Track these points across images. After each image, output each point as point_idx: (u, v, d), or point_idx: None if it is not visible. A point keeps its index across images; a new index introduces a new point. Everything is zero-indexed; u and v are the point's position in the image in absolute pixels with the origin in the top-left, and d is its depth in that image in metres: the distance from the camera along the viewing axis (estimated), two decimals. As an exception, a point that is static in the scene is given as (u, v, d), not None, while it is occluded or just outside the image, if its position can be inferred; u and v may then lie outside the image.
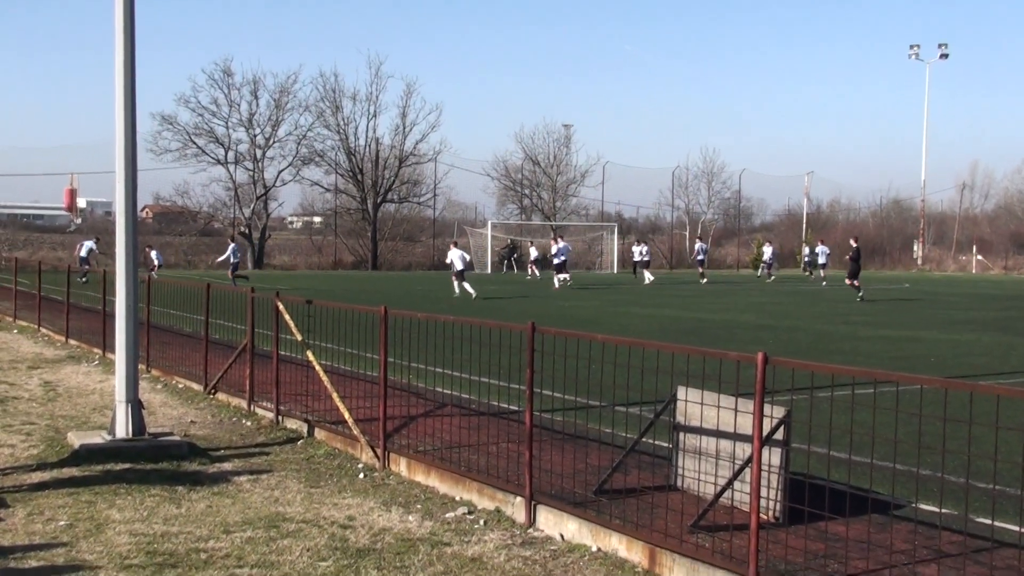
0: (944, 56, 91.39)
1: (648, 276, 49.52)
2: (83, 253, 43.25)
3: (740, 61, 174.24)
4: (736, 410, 7.34)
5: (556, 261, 44.48)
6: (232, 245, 43.91)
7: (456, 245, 39.80)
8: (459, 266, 36.85)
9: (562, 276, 43.68)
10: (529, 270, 59.18)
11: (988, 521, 6.84)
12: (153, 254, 44.95)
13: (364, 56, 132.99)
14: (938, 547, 6.79)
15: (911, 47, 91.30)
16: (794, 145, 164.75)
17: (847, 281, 37.49)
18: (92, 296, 21.46)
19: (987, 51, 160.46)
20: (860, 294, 36.17)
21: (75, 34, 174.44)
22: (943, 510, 7.41)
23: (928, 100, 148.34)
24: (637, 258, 52.01)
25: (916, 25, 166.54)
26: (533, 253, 60.32)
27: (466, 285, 36.11)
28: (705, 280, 51.94)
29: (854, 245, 37.91)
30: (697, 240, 61.32)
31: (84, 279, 32.68)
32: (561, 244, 45.15)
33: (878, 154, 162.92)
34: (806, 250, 62.89)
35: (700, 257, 55.36)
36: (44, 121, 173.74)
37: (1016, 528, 7.08)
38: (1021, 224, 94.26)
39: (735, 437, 7.51)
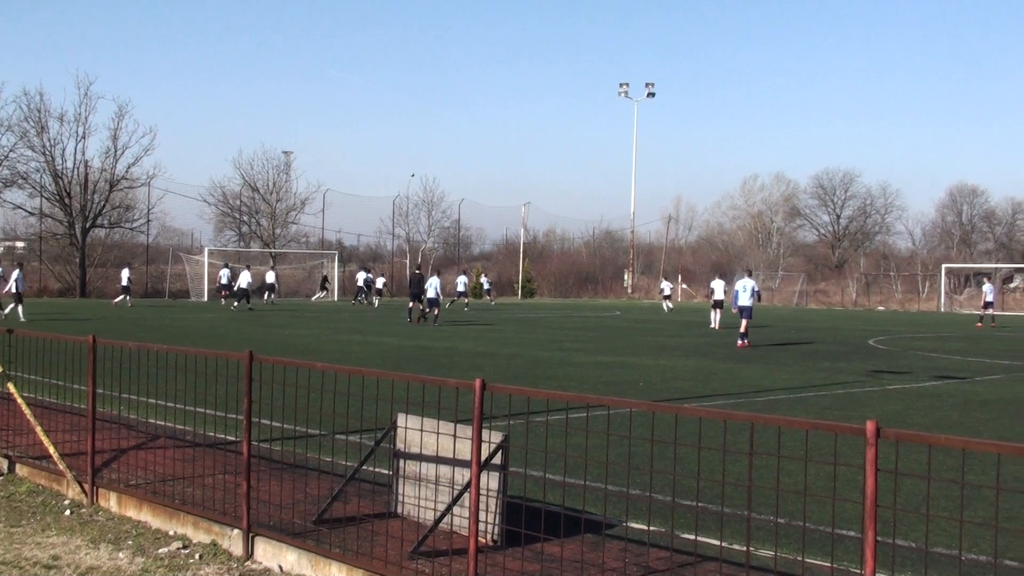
0: (651, 95, 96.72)
1: (375, 301, 49.66)
2: None
3: (451, 88, 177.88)
4: (456, 436, 7.42)
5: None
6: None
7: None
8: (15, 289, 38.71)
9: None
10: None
11: (692, 536, 7.21)
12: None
13: (72, 75, 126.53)
14: (647, 563, 7.07)
15: (621, 85, 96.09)
16: (512, 176, 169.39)
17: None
18: None
19: (690, 91, 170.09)
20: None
21: None
22: (652, 527, 7.74)
23: (636, 136, 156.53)
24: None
25: (626, 63, 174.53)
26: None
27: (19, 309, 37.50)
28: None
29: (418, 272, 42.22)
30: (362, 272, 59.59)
31: None
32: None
33: (592, 186, 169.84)
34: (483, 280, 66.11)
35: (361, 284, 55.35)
36: None
37: (716, 543, 7.47)
38: (721, 254, 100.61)
39: (455, 463, 7.59)
